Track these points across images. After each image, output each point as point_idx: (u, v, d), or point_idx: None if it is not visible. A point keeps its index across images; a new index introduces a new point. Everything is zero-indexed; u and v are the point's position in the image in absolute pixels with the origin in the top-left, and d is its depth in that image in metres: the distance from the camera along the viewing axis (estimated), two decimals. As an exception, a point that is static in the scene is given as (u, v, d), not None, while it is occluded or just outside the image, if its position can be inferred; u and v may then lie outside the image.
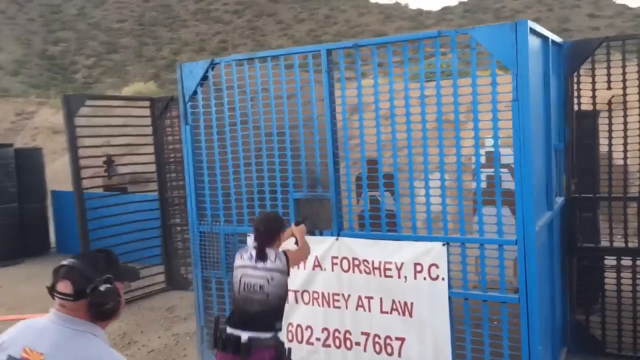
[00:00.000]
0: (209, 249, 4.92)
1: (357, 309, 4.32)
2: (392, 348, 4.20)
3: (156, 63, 44.65)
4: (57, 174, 15.61)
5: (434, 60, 3.88)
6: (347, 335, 4.37)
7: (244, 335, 3.43)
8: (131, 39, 48.67)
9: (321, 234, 4.43)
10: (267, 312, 3.50)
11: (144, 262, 8.04)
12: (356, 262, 4.29)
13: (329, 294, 4.42)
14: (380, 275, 4.18)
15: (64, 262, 2.07)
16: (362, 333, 4.31)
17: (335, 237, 4.36)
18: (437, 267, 3.99)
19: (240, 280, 3.56)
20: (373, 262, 4.20)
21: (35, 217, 11.07)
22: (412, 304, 4.09)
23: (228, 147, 4.74)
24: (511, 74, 3.59)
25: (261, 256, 3.56)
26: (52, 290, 2.07)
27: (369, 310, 4.27)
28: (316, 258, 4.41)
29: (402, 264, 4.09)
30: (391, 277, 4.14)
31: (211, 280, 4.92)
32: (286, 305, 4.39)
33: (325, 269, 4.41)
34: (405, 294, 4.10)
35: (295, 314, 4.51)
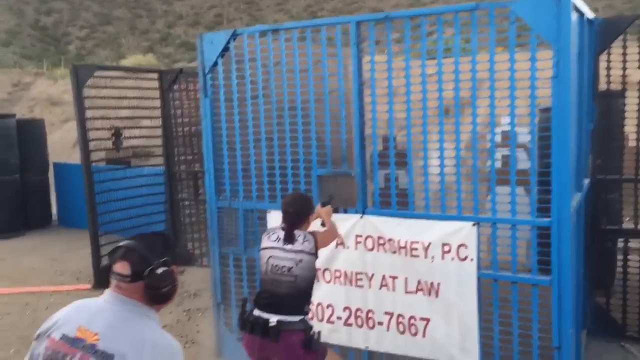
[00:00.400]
0: (227, 225, 4.82)
1: (380, 288, 4.24)
2: (416, 328, 4.13)
3: (150, 36, 44.11)
4: (56, 146, 15.45)
5: (464, 36, 3.75)
6: (370, 315, 4.30)
7: (273, 319, 3.35)
8: (125, 11, 48.00)
9: (345, 212, 4.33)
10: (296, 294, 3.41)
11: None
12: (381, 241, 4.20)
13: (351, 272, 4.34)
14: (406, 255, 4.09)
15: (122, 244, 2.05)
16: (386, 313, 4.24)
17: (360, 215, 4.27)
18: (466, 247, 3.91)
19: (267, 262, 3.47)
20: (399, 242, 4.12)
21: (37, 190, 10.94)
22: (438, 284, 4.02)
23: (249, 121, 4.62)
24: (552, 50, 3.47)
25: (289, 238, 3.46)
26: (108, 270, 2.04)
27: (393, 290, 4.19)
28: (339, 236, 4.31)
29: (430, 243, 4.01)
30: (417, 257, 4.06)
31: (229, 257, 4.83)
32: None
33: (348, 247, 4.33)
34: (431, 274, 4.03)
35: (316, 293, 4.38)
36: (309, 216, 3.60)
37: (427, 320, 4.09)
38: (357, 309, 4.33)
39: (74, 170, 11.06)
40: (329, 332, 4.42)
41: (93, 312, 1.99)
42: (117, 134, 7.59)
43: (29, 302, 6.69)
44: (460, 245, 3.92)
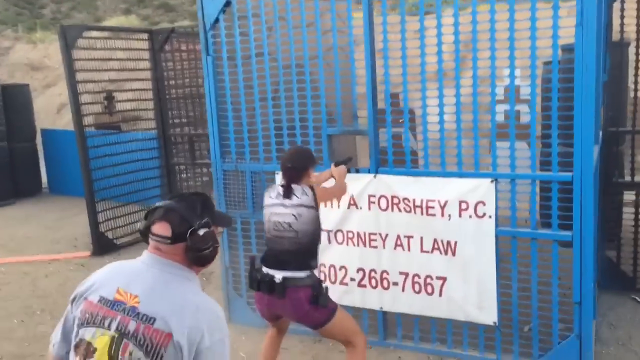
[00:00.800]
0: (233, 187, 4.69)
1: (395, 248, 4.16)
2: (432, 288, 4.08)
3: (127, -3, 42.89)
4: (40, 112, 15.05)
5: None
6: (384, 275, 4.23)
7: (278, 275, 3.27)
8: (102, -29, 46.56)
9: (357, 171, 4.22)
10: (299, 250, 3.31)
11: (144, 204, 7.81)
12: (395, 201, 4.11)
13: (365, 233, 4.25)
14: (422, 214, 4.01)
15: (160, 204, 1.95)
16: (401, 273, 4.18)
17: (373, 175, 4.16)
18: (484, 204, 3.83)
19: (269, 219, 3.38)
20: (414, 200, 4.02)
21: (26, 157, 10.68)
22: (455, 243, 3.95)
23: (254, 79, 4.45)
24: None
25: (287, 193, 3.35)
26: (146, 231, 1.95)
27: (408, 250, 4.12)
28: (352, 197, 4.21)
29: (447, 201, 3.92)
30: (434, 215, 3.98)
31: (236, 220, 4.71)
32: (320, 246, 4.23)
33: (361, 208, 4.23)
34: (448, 233, 3.95)
35: (328, 255, 4.35)
36: (308, 170, 3.45)
37: (444, 279, 4.03)
38: (371, 270, 4.26)
39: (63, 136, 10.82)
40: (342, 294, 4.35)
41: (132, 274, 1.91)
42: (109, 97, 7.35)
43: (27, 272, 6.56)
44: (478, 203, 3.84)
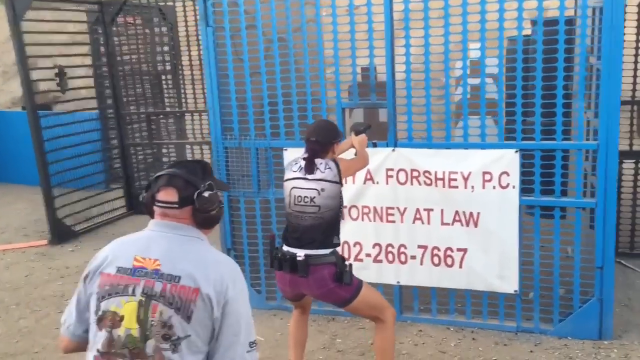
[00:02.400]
0: (236, 166, 4.48)
1: (414, 222, 4.14)
2: (452, 260, 4.09)
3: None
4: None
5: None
6: (402, 250, 4.20)
7: (300, 253, 3.15)
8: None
9: (374, 145, 4.14)
10: (322, 225, 3.19)
11: (96, 188, 7.38)
12: (415, 174, 4.07)
13: (382, 208, 4.19)
14: (444, 187, 4.00)
15: (162, 172, 1.99)
16: (419, 246, 4.16)
17: (392, 149, 4.09)
18: (508, 175, 3.87)
19: (290, 194, 3.23)
20: (436, 173, 4.00)
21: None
22: (478, 214, 3.97)
23: (260, 51, 4.24)
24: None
25: (310, 167, 3.22)
26: (151, 201, 1.97)
27: (428, 223, 4.11)
28: (368, 171, 4.13)
29: (470, 173, 3.93)
30: (456, 187, 3.98)
31: (239, 200, 4.52)
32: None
33: (378, 183, 4.16)
34: (470, 204, 3.97)
35: (342, 231, 4.24)
36: (334, 144, 3.33)
37: (465, 250, 4.05)
38: (388, 245, 4.22)
39: (8, 118, 9.99)
40: (357, 270, 4.20)
41: (145, 241, 1.93)
42: (61, 73, 6.80)
43: (-19, 264, 6.02)
44: (502, 173, 3.88)
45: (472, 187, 3.94)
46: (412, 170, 4.07)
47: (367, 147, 4.01)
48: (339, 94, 4.16)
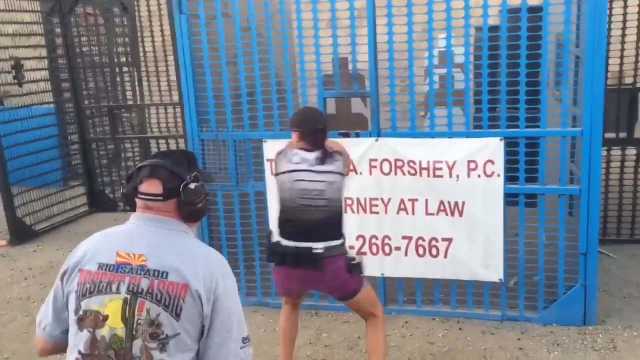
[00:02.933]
0: (212, 158, 4.34)
1: (398, 212, 4.08)
2: (437, 250, 4.06)
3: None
4: None
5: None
6: (386, 241, 4.14)
7: (318, 245, 3.02)
8: None
9: (357, 136, 4.07)
10: (332, 219, 3.10)
11: (56, 186, 7.08)
12: (399, 164, 4.01)
13: (365, 199, 4.12)
14: (429, 176, 3.96)
15: (144, 163, 1.87)
16: (404, 237, 4.11)
17: (375, 138, 4.03)
18: (493, 163, 3.85)
19: (293, 187, 3.06)
20: (420, 163, 3.96)
21: None
22: (463, 203, 3.94)
23: (237, 39, 4.11)
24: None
25: (323, 158, 3.08)
26: (132, 193, 1.87)
27: (413, 213, 4.06)
28: (351, 162, 4.05)
29: (455, 162, 3.90)
30: (441, 177, 3.94)
31: (217, 193, 4.37)
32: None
33: (361, 173, 4.09)
34: (455, 194, 3.94)
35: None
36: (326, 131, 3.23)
37: (450, 240, 4.02)
38: (372, 236, 4.16)
39: None
40: (340, 263, 4.21)
41: (128, 236, 1.82)
42: (17, 65, 6.47)
43: (-63, 268, 5.68)
44: (487, 162, 3.86)
45: (457, 176, 3.91)
46: (396, 160, 4.01)
47: (350, 136, 3.97)
48: (320, 83, 4.06)
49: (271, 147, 4.06)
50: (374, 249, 4.17)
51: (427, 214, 4.04)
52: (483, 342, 3.82)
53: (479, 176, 3.88)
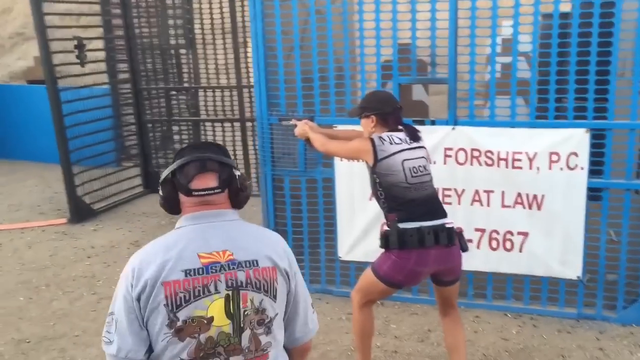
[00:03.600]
0: (282, 144, 4.28)
1: (472, 204, 3.97)
2: (512, 243, 3.93)
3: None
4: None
5: None
6: (458, 233, 4.03)
7: (447, 220, 2.96)
8: None
9: (433, 123, 3.95)
10: (436, 193, 3.07)
11: (111, 166, 7.14)
12: (476, 154, 3.89)
13: (437, 189, 3.98)
14: (507, 167, 3.82)
15: (190, 159, 1.78)
16: (476, 229, 3.99)
17: (452, 127, 3.90)
18: (577, 155, 3.70)
19: (403, 168, 2.92)
20: (499, 153, 3.82)
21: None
22: (542, 196, 3.80)
23: (312, 22, 4.02)
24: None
25: (415, 135, 3.02)
26: (174, 193, 1.81)
27: (488, 205, 3.94)
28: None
29: (536, 153, 3.75)
30: (520, 168, 3.80)
31: (284, 179, 4.32)
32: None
33: (434, 162, 3.97)
34: (535, 186, 3.80)
35: (394, 213, 4.08)
36: None
37: (526, 234, 3.89)
38: (444, 228, 4.04)
39: (9, 91, 9.69)
40: (409, 254, 4.11)
41: (200, 237, 1.75)
42: (80, 45, 6.51)
43: (2, 243, 5.78)
44: (570, 154, 3.70)
45: (538, 168, 3.77)
46: (473, 149, 3.88)
47: (425, 124, 3.87)
48: (397, 69, 3.95)
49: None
50: (445, 240, 4.05)
51: (503, 206, 3.91)
52: (560, 341, 3.69)
53: (561, 169, 3.74)
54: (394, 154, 2.94)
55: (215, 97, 7.30)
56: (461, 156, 3.92)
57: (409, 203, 2.94)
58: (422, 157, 3.00)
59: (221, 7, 6.96)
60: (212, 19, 7.12)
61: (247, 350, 1.73)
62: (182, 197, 1.80)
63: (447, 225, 2.91)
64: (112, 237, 5.85)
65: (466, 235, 3.90)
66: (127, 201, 7.15)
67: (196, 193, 1.78)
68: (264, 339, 1.76)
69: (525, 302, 4.05)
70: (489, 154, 3.85)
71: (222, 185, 1.80)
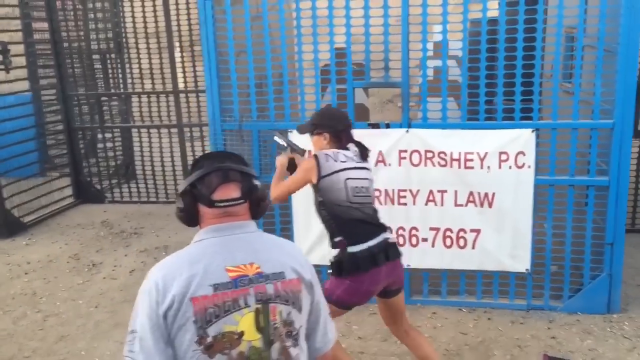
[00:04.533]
0: (236, 149, 4.23)
1: (426, 204, 4.08)
2: (465, 240, 4.08)
3: None
4: None
5: None
6: (413, 232, 4.14)
7: (390, 234, 2.96)
8: None
9: (387, 126, 4.04)
10: (377, 210, 3.04)
11: (38, 177, 6.82)
12: (429, 155, 4.01)
13: (393, 190, 4.10)
14: (459, 167, 3.96)
15: (211, 169, 1.75)
16: (431, 228, 4.11)
17: (406, 130, 4.00)
18: (524, 154, 3.89)
19: (346, 186, 2.88)
20: (452, 154, 3.96)
21: None
22: (493, 194, 3.97)
23: (265, 27, 4.01)
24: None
25: (365, 154, 3.03)
26: (194, 204, 1.77)
27: (441, 205, 4.07)
28: (380, 153, 4.03)
29: (486, 153, 3.92)
30: (472, 168, 3.95)
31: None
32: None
33: (390, 165, 4.07)
34: (486, 185, 3.96)
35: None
36: None
37: (478, 231, 4.05)
38: (399, 228, 4.14)
39: None
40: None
41: (225, 250, 1.71)
42: (4, 50, 6.16)
43: None
44: (518, 153, 3.89)
45: (488, 167, 3.93)
46: (427, 151, 4.00)
47: (379, 127, 3.94)
48: (350, 73, 4.00)
49: (297, 139, 3.99)
50: (401, 240, 4.15)
51: (456, 205, 4.05)
52: (514, 332, 3.87)
53: (510, 167, 3.92)
54: (337, 171, 2.89)
55: (150, 103, 7.10)
56: (415, 158, 4.03)
57: (353, 223, 2.89)
58: (366, 178, 2.97)
59: (155, 10, 6.78)
60: (145, 22, 6.92)
61: None
62: (203, 209, 1.75)
63: (390, 241, 2.92)
64: (48, 251, 5.57)
65: (421, 235, 4.08)
66: (58, 213, 6.83)
67: (219, 204, 1.73)
68: (293, 352, 1.73)
69: (478, 296, 4.21)
70: (442, 155, 3.98)
71: (244, 196, 1.76)
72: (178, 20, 6.77)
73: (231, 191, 1.74)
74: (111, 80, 7.66)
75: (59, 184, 7.08)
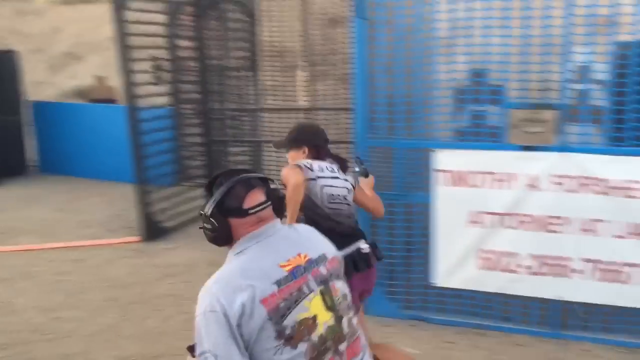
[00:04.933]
0: (377, 166, 4.23)
1: (581, 233, 3.86)
2: (625, 275, 3.80)
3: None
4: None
5: None
6: (563, 263, 3.92)
7: (363, 245, 3.06)
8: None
9: (537, 150, 3.87)
10: (356, 219, 3.17)
11: (189, 183, 7.18)
12: (586, 181, 3.79)
13: (543, 217, 3.92)
14: (620, 196, 3.72)
15: (234, 180, 1.86)
16: (584, 260, 3.88)
17: (559, 153, 3.82)
18: (697, 184, 3.58)
19: (322, 193, 2.98)
20: (612, 181, 3.72)
21: (11, 132, 9.70)
22: (661, 226, 3.68)
23: (419, 45, 4.00)
24: None
25: (344, 167, 3.15)
26: (241, 213, 1.84)
27: (597, 235, 3.82)
28: (530, 177, 3.87)
29: (652, 181, 3.65)
30: (635, 197, 3.69)
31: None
32: (484, 230, 3.94)
33: (541, 189, 3.89)
34: (652, 216, 3.68)
35: (495, 240, 4.00)
36: None
37: (639, 266, 3.77)
38: (549, 257, 3.94)
39: (58, 109, 9.86)
40: (510, 282, 4.03)
41: (272, 250, 1.84)
42: (158, 65, 6.59)
43: (79, 259, 5.83)
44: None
45: (655, 197, 3.66)
46: (584, 177, 3.79)
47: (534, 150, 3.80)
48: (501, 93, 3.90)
49: (442, 158, 3.96)
50: (550, 270, 3.95)
51: (614, 236, 3.79)
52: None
53: (679, 198, 3.62)
54: (314, 178, 2.99)
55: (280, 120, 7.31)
56: (570, 183, 3.83)
57: (330, 232, 2.74)
58: (345, 187, 3.08)
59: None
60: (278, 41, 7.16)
61: (348, 336, 1.87)
62: (236, 222, 1.84)
63: (363, 252, 3.01)
64: (188, 256, 5.85)
65: (574, 265, 3.86)
66: (195, 220, 7.16)
67: (252, 211, 1.84)
68: (354, 321, 1.94)
69: (638, 336, 3.90)
70: (601, 182, 3.75)
71: (269, 198, 1.90)
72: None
73: (258, 196, 1.87)
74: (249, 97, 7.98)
75: (196, 194, 7.42)
